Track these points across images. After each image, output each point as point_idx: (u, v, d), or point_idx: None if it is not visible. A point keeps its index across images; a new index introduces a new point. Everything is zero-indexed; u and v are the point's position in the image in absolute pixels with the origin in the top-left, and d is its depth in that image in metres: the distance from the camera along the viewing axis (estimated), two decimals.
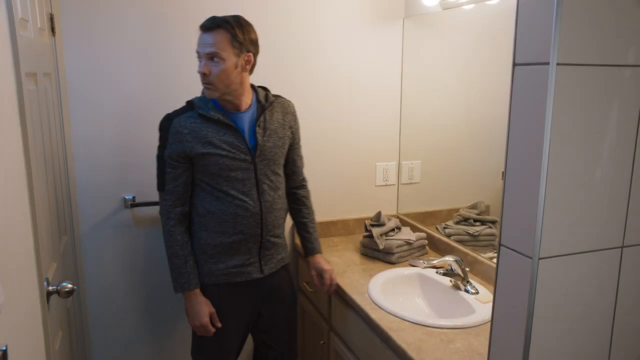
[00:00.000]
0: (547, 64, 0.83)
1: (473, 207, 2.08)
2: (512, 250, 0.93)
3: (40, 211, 1.43)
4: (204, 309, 1.76)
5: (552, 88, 0.84)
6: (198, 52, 1.66)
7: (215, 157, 1.70)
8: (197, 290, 1.77)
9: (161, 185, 1.75)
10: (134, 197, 2.17)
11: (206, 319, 1.75)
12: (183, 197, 1.76)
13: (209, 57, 1.63)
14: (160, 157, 1.74)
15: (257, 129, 1.76)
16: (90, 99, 2.05)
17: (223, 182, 1.73)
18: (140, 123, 2.13)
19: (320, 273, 1.91)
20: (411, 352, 1.45)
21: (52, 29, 1.88)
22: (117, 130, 2.10)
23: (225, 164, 1.71)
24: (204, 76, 1.65)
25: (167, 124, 1.71)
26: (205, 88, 1.69)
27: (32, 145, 1.36)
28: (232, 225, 1.75)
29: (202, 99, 1.73)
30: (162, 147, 1.74)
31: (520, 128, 0.91)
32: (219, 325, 1.79)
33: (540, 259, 0.89)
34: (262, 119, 1.77)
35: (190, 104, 1.74)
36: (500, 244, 0.97)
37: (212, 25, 1.63)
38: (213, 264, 1.79)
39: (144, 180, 2.17)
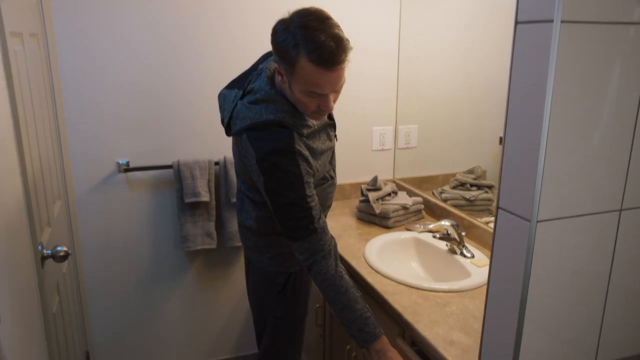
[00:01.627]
0: (551, 21, 0.80)
1: (470, 172, 2.07)
2: (510, 213, 0.92)
3: (32, 176, 1.41)
4: (400, 357, 1.39)
5: (556, 47, 0.81)
6: (322, 94, 1.32)
7: (324, 159, 1.51)
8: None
9: (309, 228, 1.38)
10: (127, 162, 2.14)
11: None
12: (327, 226, 1.45)
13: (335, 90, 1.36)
14: (298, 199, 1.37)
15: None
16: (81, 63, 2.00)
17: (325, 172, 1.54)
18: (134, 86, 2.08)
19: None
20: (407, 315, 1.46)
21: None
22: (110, 95, 2.06)
23: (326, 158, 1.53)
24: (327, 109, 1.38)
25: (291, 156, 1.37)
26: (322, 116, 1.42)
27: (21, 108, 1.33)
28: (324, 203, 1.59)
29: (287, 111, 1.39)
30: (296, 185, 1.37)
31: (521, 86, 0.88)
32: None
33: (538, 221, 0.88)
34: None
35: (279, 124, 1.38)
36: (498, 207, 0.96)
37: (339, 61, 1.28)
38: None
39: (138, 145, 2.15)
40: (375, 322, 1.40)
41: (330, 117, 1.58)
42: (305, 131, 1.41)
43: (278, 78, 1.38)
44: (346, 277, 1.41)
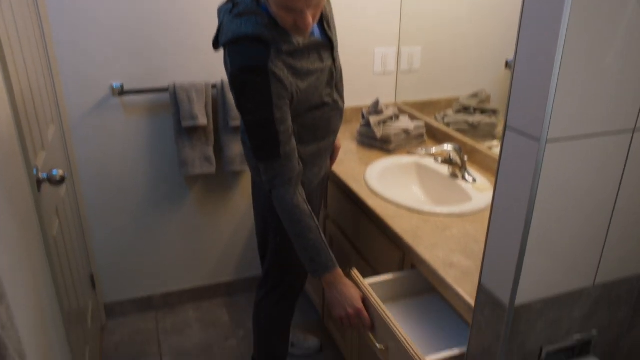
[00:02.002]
0: None
1: (474, 96, 2.01)
2: (519, 132, 0.89)
3: (20, 98, 1.36)
4: (356, 291, 1.40)
5: None
6: (296, 8, 1.26)
7: (316, 82, 1.44)
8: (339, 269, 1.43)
9: (273, 151, 1.38)
10: (122, 85, 2.08)
11: (361, 303, 1.39)
12: (296, 152, 1.43)
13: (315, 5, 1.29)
14: (265, 120, 1.34)
15: (325, 25, 1.50)
16: None
17: (318, 96, 1.48)
18: (126, 4, 1.98)
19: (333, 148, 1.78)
20: (407, 238, 1.46)
21: None
22: (101, 13, 1.96)
23: (322, 80, 1.47)
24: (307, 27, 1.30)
25: (262, 74, 1.31)
26: (303, 34, 1.35)
27: (2, 28, 1.26)
28: (326, 127, 1.56)
29: (267, 25, 1.33)
30: (264, 105, 1.34)
31: (536, 4, 0.82)
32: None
33: (547, 141, 0.85)
34: (323, 12, 1.49)
35: (257, 38, 1.32)
36: (505, 127, 0.92)
37: None
38: (309, 170, 1.58)
39: (132, 67, 2.07)
40: (328, 255, 1.41)
41: (328, 38, 1.50)
42: (285, 47, 1.34)
43: None
44: (303, 206, 1.41)
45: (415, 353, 1.19)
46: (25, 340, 1.01)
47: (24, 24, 1.54)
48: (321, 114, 1.51)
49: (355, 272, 1.46)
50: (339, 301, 1.40)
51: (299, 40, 1.38)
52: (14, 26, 1.40)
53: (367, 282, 1.45)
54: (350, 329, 1.42)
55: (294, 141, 1.42)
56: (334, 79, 1.53)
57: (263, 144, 1.38)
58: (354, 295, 1.39)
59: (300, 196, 1.42)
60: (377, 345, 1.35)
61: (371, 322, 1.37)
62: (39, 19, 1.83)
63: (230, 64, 1.35)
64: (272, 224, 1.66)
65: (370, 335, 1.39)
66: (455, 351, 1.23)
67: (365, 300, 1.39)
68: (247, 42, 1.33)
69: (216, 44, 1.46)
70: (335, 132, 1.62)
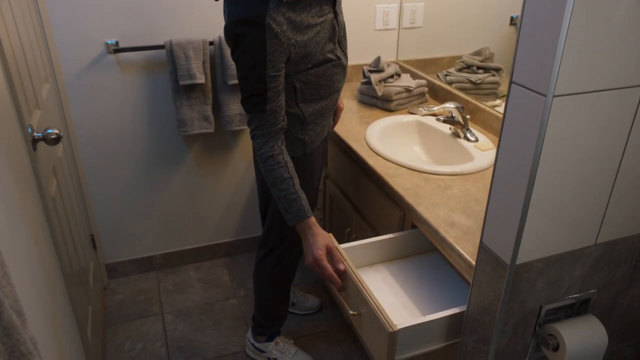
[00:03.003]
0: None
1: (477, 53, 1.96)
2: (525, 87, 0.86)
3: (12, 57, 1.32)
4: (322, 239, 1.43)
5: None
6: None
7: (316, 37, 1.41)
8: (313, 218, 1.47)
9: (258, 106, 1.38)
10: (117, 42, 2.03)
11: (320, 251, 1.41)
12: (282, 109, 1.43)
13: None
14: (257, 75, 1.34)
15: None
16: None
17: (320, 52, 1.44)
18: None
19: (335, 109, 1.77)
20: (408, 197, 1.45)
21: None
22: None
23: (322, 35, 1.43)
24: None
25: (258, 30, 1.29)
26: None
27: None
28: (329, 85, 1.53)
29: None
30: (257, 61, 1.32)
31: None
32: (343, 267, 1.40)
33: (554, 96, 0.82)
34: None
35: None
36: (511, 82, 0.89)
37: None
38: (311, 129, 1.58)
39: (127, 23, 2.02)
40: (301, 205, 1.43)
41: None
42: None
43: None
44: (279, 157, 1.43)
45: (386, 319, 1.18)
46: (24, 299, 1.01)
47: None
48: (324, 70, 1.48)
49: (330, 236, 1.46)
50: (306, 249, 1.44)
51: None
52: None
53: (342, 247, 1.45)
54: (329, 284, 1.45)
55: (282, 98, 1.41)
56: (337, 35, 1.49)
57: (251, 97, 1.38)
58: (318, 242, 1.41)
59: (277, 147, 1.44)
60: (350, 311, 1.35)
61: (340, 279, 1.39)
62: None
63: (228, 14, 1.32)
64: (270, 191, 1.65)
65: (344, 302, 1.39)
66: (455, 310, 1.24)
67: (332, 253, 1.41)
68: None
69: None
70: (338, 91, 1.59)
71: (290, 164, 1.45)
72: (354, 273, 1.33)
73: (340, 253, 1.41)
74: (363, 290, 1.27)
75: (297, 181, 1.45)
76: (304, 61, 1.41)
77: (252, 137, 1.45)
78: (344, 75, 1.57)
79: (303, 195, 1.44)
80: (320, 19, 1.40)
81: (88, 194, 2.25)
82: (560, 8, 0.77)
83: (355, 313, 1.33)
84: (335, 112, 1.78)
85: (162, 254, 2.51)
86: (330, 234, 1.45)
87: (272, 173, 1.43)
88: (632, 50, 0.85)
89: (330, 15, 1.44)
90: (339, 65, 1.52)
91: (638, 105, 0.91)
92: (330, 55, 1.47)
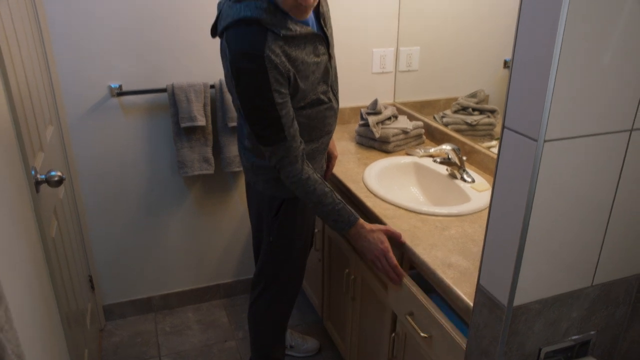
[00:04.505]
0: None
1: (472, 95, 2.01)
2: (517, 132, 0.89)
3: (19, 100, 1.36)
4: (380, 233, 1.46)
5: None
6: None
7: (311, 76, 1.46)
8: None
9: (279, 135, 1.40)
10: (120, 86, 2.08)
11: (387, 243, 1.45)
12: (298, 131, 1.46)
13: None
14: (266, 105, 1.37)
15: (322, 22, 1.50)
16: None
17: (312, 92, 1.49)
18: (125, 4, 1.98)
19: (329, 157, 1.84)
20: (405, 239, 1.46)
21: None
22: (99, 13, 1.96)
23: (317, 75, 1.47)
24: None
25: (259, 64, 1.33)
26: (303, 13, 1.36)
27: (1, 30, 1.26)
28: (321, 128, 1.57)
29: (266, 9, 1.34)
30: (263, 91, 1.35)
31: (533, 4, 0.82)
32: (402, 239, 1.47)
33: (545, 141, 0.84)
34: (320, 9, 1.50)
35: (256, 22, 1.34)
36: (503, 127, 0.92)
37: None
38: None
39: (130, 67, 2.07)
40: (348, 211, 1.48)
41: (323, 31, 1.51)
42: (283, 32, 1.35)
43: None
44: (313, 176, 1.47)
45: (459, 341, 1.21)
46: (23, 342, 1.01)
47: (21, 23, 1.54)
48: (316, 112, 1.52)
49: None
50: (368, 247, 1.47)
51: (296, 27, 1.38)
52: (12, 25, 1.40)
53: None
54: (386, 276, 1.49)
55: (296, 123, 1.44)
56: (330, 77, 1.53)
57: (267, 129, 1.40)
58: (379, 236, 1.46)
59: (308, 167, 1.48)
60: (421, 334, 1.36)
61: (398, 268, 1.44)
62: (36, 18, 1.83)
63: (228, 49, 1.36)
64: (266, 221, 1.66)
65: (412, 323, 1.40)
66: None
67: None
68: (246, 25, 1.34)
69: (214, 32, 1.48)
70: (329, 133, 1.62)
71: (321, 177, 1.50)
72: (422, 296, 1.36)
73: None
74: (434, 313, 1.29)
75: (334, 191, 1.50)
76: (298, 101, 1.45)
77: (280, 168, 1.46)
78: (335, 119, 1.61)
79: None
80: (316, 59, 1.45)
81: (87, 234, 2.26)
82: (548, 53, 0.80)
83: (426, 335, 1.34)
84: (329, 159, 1.82)
85: (160, 295, 2.50)
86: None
87: (314, 193, 1.46)
88: (620, 95, 0.88)
89: (325, 57, 1.49)
90: (331, 109, 1.56)
91: (627, 149, 0.93)
92: (322, 97, 1.51)
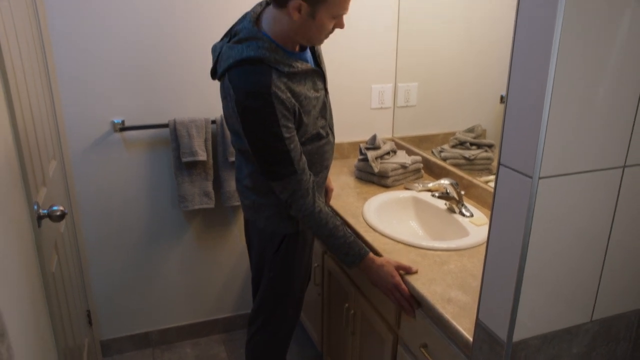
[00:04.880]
0: None
1: (470, 130, 2.04)
2: (512, 169, 0.91)
3: (24, 134, 1.38)
4: (390, 267, 1.48)
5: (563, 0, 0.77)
6: (346, 10, 1.42)
7: (312, 110, 1.50)
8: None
9: (288, 169, 1.43)
10: (123, 121, 2.11)
11: (398, 277, 1.46)
12: (306, 165, 1.49)
13: None
14: (274, 141, 1.40)
15: (317, 57, 1.58)
16: (74, 17, 1.94)
17: (313, 126, 1.52)
18: (128, 41, 2.03)
19: (326, 190, 1.86)
20: (405, 274, 1.46)
21: None
22: (103, 51, 2.01)
23: (317, 109, 1.52)
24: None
25: (266, 100, 1.36)
26: (318, 43, 1.48)
27: (9, 65, 1.29)
28: (320, 162, 1.59)
29: (268, 48, 1.39)
30: (271, 127, 1.38)
31: (526, 39, 0.85)
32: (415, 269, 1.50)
33: (540, 178, 0.86)
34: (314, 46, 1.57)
35: (260, 61, 1.38)
36: (499, 164, 0.94)
37: None
38: None
39: (133, 103, 2.11)
40: (358, 244, 1.51)
41: (319, 66, 1.56)
42: (286, 69, 1.39)
43: (292, 15, 1.36)
44: (325, 209, 1.50)
45: None
46: None
47: (29, 61, 1.58)
48: (316, 147, 1.55)
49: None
50: (379, 282, 1.49)
51: (297, 64, 1.42)
52: (20, 63, 1.43)
53: None
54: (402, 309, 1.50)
55: (304, 157, 1.47)
56: (327, 111, 1.58)
57: (276, 165, 1.43)
58: (390, 269, 1.48)
59: (319, 200, 1.51)
60: None
61: (412, 298, 1.44)
62: (44, 55, 1.88)
63: (233, 89, 1.39)
64: (267, 257, 1.67)
65: (426, 354, 1.39)
66: None
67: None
68: (250, 65, 1.38)
69: (214, 74, 1.51)
70: (327, 168, 1.65)
71: (332, 210, 1.52)
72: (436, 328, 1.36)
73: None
74: (449, 345, 1.28)
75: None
76: (300, 133, 1.47)
77: (292, 202, 1.47)
78: (332, 153, 1.65)
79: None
80: (316, 94, 1.49)
81: (87, 268, 2.25)
82: (540, 92, 0.83)
83: None
84: (326, 193, 1.84)
85: (158, 330, 2.48)
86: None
87: (327, 225, 1.49)
88: (612, 133, 0.90)
89: (323, 92, 1.54)
90: (329, 143, 1.60)
91: (620, 185, 0.95)
92: (322, 131, 1.55)
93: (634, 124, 0.92)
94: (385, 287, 1.47)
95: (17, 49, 1.43)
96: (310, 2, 1.36)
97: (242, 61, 1.38)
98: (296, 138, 1.44)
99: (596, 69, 0.85)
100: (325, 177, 1.66)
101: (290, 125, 1.41)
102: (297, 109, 1.42)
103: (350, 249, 1.50)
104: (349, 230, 1.52)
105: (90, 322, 2.28)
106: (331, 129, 1.62)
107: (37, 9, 1.84)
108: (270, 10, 1.43)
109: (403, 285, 1.44)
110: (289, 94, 1.39)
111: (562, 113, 0.85)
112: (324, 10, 1.38)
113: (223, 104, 1.51)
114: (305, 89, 1.45)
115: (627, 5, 0.82)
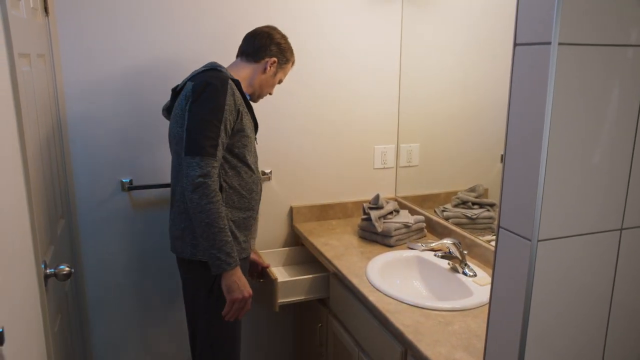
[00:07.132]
0: (549, 43, 0.82)
1: (472, 190, 2.08)
2: (511, 232, 0.93)
3: (37, 194, 1.42)
4: (248, 286, 1.69)
5: (554, 68, 0.83)
6: (281, 81, 1.89)
7: (248, 132, 1.72)
8: None
9: (205, 149, 1.57)
10: (131, 180, 2.16)
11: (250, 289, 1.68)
12: (218, 167, 1.65)
13: None
14: (214, 119, 1.59)
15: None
16: (86, 81, 2.02)
17: (248, 155, 1.73)
18: (137, 105, 2.11)
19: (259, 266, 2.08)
20: (409, 334, 1.46)
21: (46, 9, 1.85)
22: (113, 112, 2.09)
23: (252, 143, 1.77)
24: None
25: (223, 84, 1.62)
26: (255, 100, 1.89)
27: (27, 127, 1.35)
28: (248, 200, 1.75)
29: (231, 76, 1.70)
30: (217, 108, 1.59)
31: (520, 108, 0.90)
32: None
33: (539, 241, 0.89)
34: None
35: (222, 73, 1.67)
36: (499, 227, 0.96)
37: None
38: (241, 233, 1.79)
39: (141, 163, 2.16)
40: (234, 255, 1.62)
41: (255, 120, 1.82)
42: (239, 101, 1.66)
43: (266, 69, 1.79)
44: (222, 207, 1.60)
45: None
46: None
47: (45, 125, 1.64)
48: (247, 177, 1.71)
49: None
50: (237, 289, 1.64)
51: (246, 108, 1.71)
52: (37, 128, 1.49)
53: None
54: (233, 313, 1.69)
55: (220, 156, 1.63)
56: (257, 158, 1.81)
57: (203, 139, 1.57)
58: (247, 289, 1.67)
59: (221, 196, 1.62)
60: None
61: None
62: (58, 118, 1.95)
63: (194, 83, 1.63)
64: (201, 302, 1.73)
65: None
66: None
67: None
68: (214, 71, 1.66)
69: (169, 110, 1.81)
70: (253, 210, 1.78)
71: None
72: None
73: None
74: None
75: None
76: (237, 137, 1.66)
77: (200, 184, 1.56)
78: (258, 201, 1.82)
79: None
80: (252, 134, 1.76)
81: (88, 327, 2.23)
82: (536, 155, 0.86)
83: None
84: (261, 269, 2.05)
85: None
86: None
87: (212, 205, 1.57)
88: (608, 196, 0.93)
89: (255, 140, 1.80)
90: (259, 183, 1.79)
91: (619, 248, 0.97)
92: (252, 165, 1.76)
93: (628, 188, 0.95)
94: (240, 293, 1.63)
95: (35, 114, 1.49)
96: (279, 62, 1.80)
97: (206, 70, 1.66)
98: (226, 138, 1.62)
99: (589, 135, 0.88)
100: (253, 219, 1.80)
101: (229, 122, 1.61)
102: (240, 112, 1.65)
103: (228, 255, 1.60)
104: (230, 236, 1.62)
105: None
106: (260, 176, 1.84)
107: (55, 74, 1.92)
108: (239, 63, 1.80)
109: (249, 304, 1.68)
110: (237, 94, 1.65)
111: (558, 178, 0.88)
112: (281, 73, 1.84)
113: (172, 117, 1.72)
114: (246, 121, 1.70)
115: (615, 78, 0.87)
